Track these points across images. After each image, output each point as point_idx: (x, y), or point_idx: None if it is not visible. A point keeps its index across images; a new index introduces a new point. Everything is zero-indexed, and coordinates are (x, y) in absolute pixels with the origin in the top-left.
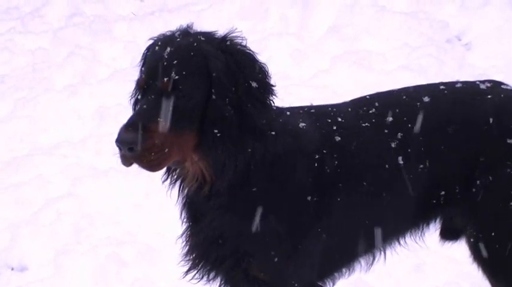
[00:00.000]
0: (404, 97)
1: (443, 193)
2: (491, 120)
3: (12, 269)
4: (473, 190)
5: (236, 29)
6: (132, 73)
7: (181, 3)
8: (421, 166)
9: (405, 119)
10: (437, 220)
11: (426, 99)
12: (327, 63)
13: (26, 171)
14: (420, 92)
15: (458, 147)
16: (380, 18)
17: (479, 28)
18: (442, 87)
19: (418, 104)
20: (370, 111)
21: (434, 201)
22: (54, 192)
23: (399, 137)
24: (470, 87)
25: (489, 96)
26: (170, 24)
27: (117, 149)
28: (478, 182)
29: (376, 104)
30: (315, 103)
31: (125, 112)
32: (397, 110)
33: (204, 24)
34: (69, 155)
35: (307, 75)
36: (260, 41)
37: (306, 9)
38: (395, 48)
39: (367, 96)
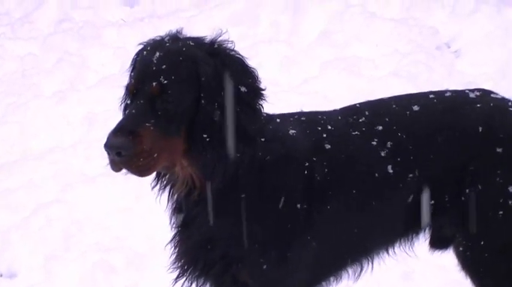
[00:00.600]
0: (394, 106)
1: (432, 202)
2: (480, 129)
3: (1, 275)
4: (463, 198)
5: (225, 32)
6: (121, 79)
7: (171, 10)
8: (411, 175)
9: (395, 128)
10: (427, 229)
11: (416, 108)
12: (316, 69)
13: (16, 176)
14: (410, 101)
15: (448, 156)
16: (370, 24)
17: (468, 35)
18: (431, 96)
19: (408, 113)
20: (360, 120)
21: (423, 210)
22: (44, 197)
23: (389, 146)
24: (459, 96)
25: (478, 105)
26: (160, 30)
27: (106, 154)
28: (467, 190)
29: (366, 112)
30: (305, 109)
31: (114, 118)
32: (387, 119)
33: (194, 30)
34: (59, 161)
35: (297, 81)
36: (250, 47)
37: (296, 16)
38: (385, 54)
39: (357, 105)
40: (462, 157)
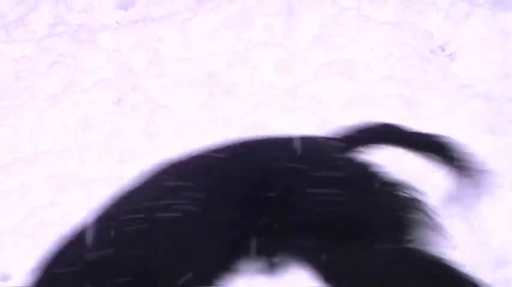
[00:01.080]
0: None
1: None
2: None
3: None
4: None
5: None
6: (116, 82)
7: (165, 13)
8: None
9: (208, 182)
10: None
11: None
12: (311, 72)
13: (9, 179)
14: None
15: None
16: (364, 28)
17: (463, 38)
18: (239, 144)
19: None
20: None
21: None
22: (38, 201)
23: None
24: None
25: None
26: (154, 33)
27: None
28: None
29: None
30: (300, 113)
31: (109, 121)
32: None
33: (189, 33)
34: (53, 164)
35: (291, 84)
36: (245, 50)
37: (290, 19)
38: (380, 58)
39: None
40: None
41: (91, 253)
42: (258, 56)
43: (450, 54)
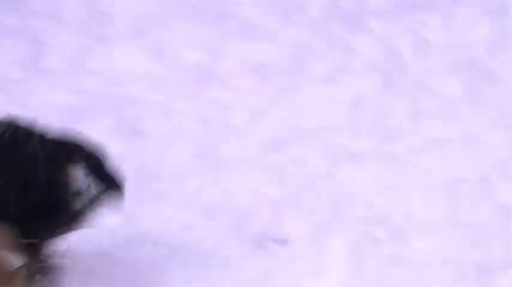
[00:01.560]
0: None
1: None
2: None
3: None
4: None
5: None
6: (384, 65)
7: (429, 1)
8: None
9: None
10: None
11: None
12: None
13: (288, 152)
14: None
15: None
16: None
17: None
18: None
19: None
20: None
21: None
22: (315, 173)
23: None
24: None
25: None
26: (420, 20)
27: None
28: None
29: None
30: None
31: (378, 101)
32: None
33: (452, 20)
34: (328, 139)
35: None
36: (503, 38)
37: None
38: None
39: None
40: None
41: None
42: None
43: None
